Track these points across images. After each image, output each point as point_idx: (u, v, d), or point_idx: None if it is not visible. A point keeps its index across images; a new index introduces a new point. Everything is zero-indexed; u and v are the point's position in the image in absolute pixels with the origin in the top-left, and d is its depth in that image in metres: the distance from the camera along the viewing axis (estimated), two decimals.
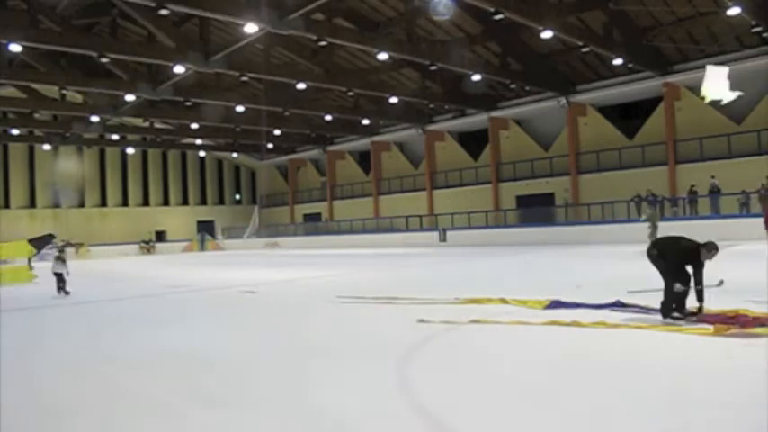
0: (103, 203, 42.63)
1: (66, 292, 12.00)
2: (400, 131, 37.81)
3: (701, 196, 23.81)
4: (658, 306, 6.75)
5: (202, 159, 47.20)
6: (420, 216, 34.94)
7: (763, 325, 5.80)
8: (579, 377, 4.68)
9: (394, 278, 14.50)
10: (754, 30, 20.44)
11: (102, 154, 42.64)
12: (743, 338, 5.56)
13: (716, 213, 23.04)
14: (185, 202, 46.79)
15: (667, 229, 22.84)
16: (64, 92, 29.20)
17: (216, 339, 7.12)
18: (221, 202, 48.89)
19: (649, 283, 10.19)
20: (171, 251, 40.56)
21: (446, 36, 24.80)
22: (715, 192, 23.30)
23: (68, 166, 40.30)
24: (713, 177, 23.41)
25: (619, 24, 22.62)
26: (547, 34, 19.97)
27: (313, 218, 44.44)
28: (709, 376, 4.53)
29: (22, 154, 39.44)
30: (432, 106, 31.70)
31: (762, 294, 7.72)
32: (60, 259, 12.26)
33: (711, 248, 6.42)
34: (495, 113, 32.41)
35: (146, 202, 44.67)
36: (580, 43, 21.10)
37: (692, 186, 24.20)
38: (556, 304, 8.09)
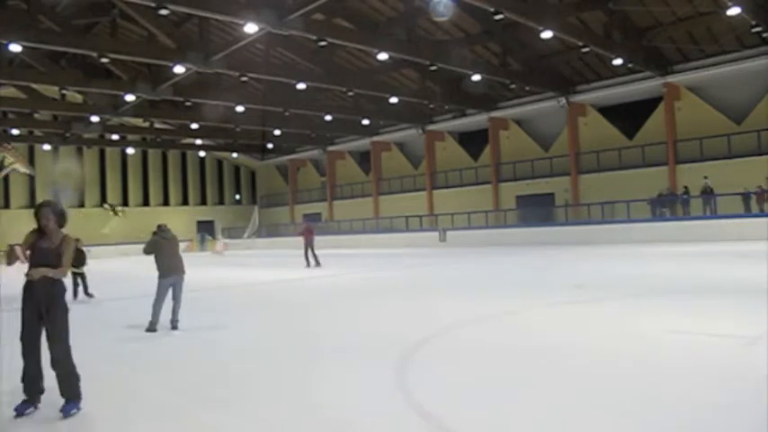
0: (104, 203, 42.61)
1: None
2: (400, 131, 37.80)
3: (695, 196, 23.86)
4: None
5: (202, 159, 47.18)
6: (420, 216, 34.93)
7: None
8: (581, 377, 4.68)
9: (393, 278, 14.50)
10: (754, 30, 20.42)
11: (102, 154, 42.63)
12: (742, 339, 5.56)
13: (711, 214, 23.09)
14: (185, 202, 46.77)
15: (665, 229, 23.00)
16: (64, 92, 29.18)
17: (215, 339, 7.13)
18: (221, 202, 48.88)
19: (649, 283, 10.22)
20: None
21: (446, 36, 24.79)
22: (708, 192, 23.35)
23: (68, 166, 40.28)
24: (706, 178, 23.48)
25: (619, 24, 22.60)
26: (547, 34, 19.97)
27: (313, 218, 44.43)
28: (709, 377, 4.53)
29: (21, 154, 39.36)
30: (432, 106, 31.68)
31: (762, 294, 7.72)
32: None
33: None
34: (495, 113, 32.41)
35: (146, 202, 44.65)
36: (580, 43, 21.08)
37: (684, 187, 24.34)
38: None
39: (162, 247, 7.68)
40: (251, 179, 51.13)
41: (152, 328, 7.51)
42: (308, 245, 18.50)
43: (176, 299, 7.71)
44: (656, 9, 21.99)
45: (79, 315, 9.89)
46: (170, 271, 7.64)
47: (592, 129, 29.50)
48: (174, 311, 7.70)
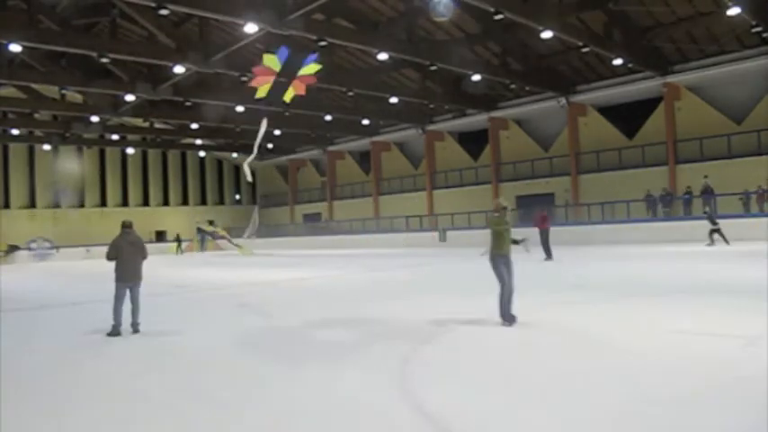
0: (103, 203, 42.61)
1: None
2: (400, 131, 37.79)
3: (695, 196, 23.83)
4: None
5: (202, 159, 47.17)
6: (420, 216, 34.93)
7: None
8: (581, 376, 4.68)
9: (394, 278, 14.49)
10: (754, 30, 20.40)
11: (102, 154, 42.62)
12: (742, 339, 5.56)
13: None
14: (185, 202, 46.77)
15: (665, 229, 23.01)
16: (64, 92, 29.14)
17: (215, 339, 7.12)
18: (221, 202, 48.88)
19: (648, 283, 10.22)
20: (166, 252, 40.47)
21: (446, 36, 24.78)
22: (708, 192, 23.34)
23: (68, 166, 40.28)
24: (706, 177, 23.47)
25: (619, 24, 22.60)
26: (547, 34, 19.95)
27: (313, 218, 44.44)
28: (709, 377, 4.53)
29: (22, 154, 39.43)
30: (432, 106, 31.66)
31: (762, 294, 7.72)
32: None
33: None
34: (495, 113, 32.40)
35: (146, 202, 44.64)
36: (580, 43, 21.06)
37: (688, 187, 24.33)
38: None
39: (123, 252, 7.51)
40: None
41: (115, 332, 7.37)
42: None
43: (134, 302, 7.57)
44: (656, 9, 21.98)
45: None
46: (126, 276, 7.52)
47: (592, 129, 29.49)
48: (134, 314, 7.55)
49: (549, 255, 16.41)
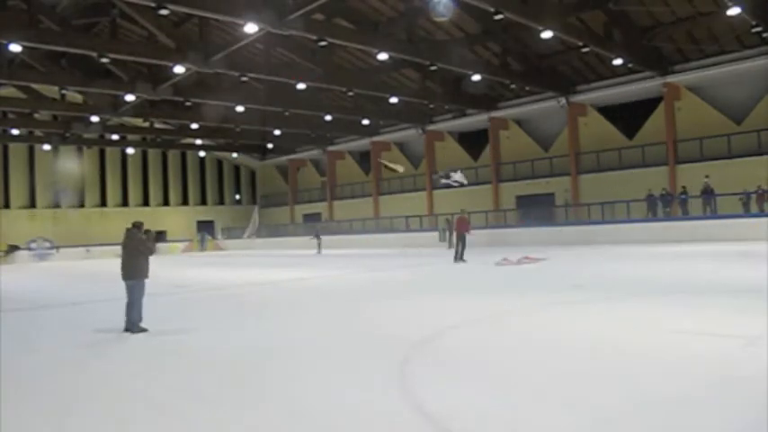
0: (103, 203, 42.60)
1: None
2: (400, 131, 37.78)
3: (694, 196, 23.82)
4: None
5: (202, 159, 47.15)
6: (420, 216, 34.92)
7: None
8: (581, 377, 4.68)
9: (393, 278, 14.49)
10: (754, 30, 20.39)
11: (102, 154, 42.60)
12: (742, 339, 5.56)
13: (712, 214, 23.08)
14: (185, 202, 46.75)
15: (665, 229, 23.02)
16: (64, 92, 29.12)
17: (215, 339, 7.12)
18: (221, 202, 48.87)
19: (648, 283, 10.22)
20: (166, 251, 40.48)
21: (446, 36, 24.78)
22: (708, 192, 23.34)
23: (68, 166, 40.27)
24: (707, 177, 23.46)
25: (619, 24, 22.60)
26: (547, 34, 19.93)
27: (313, 218, 44.43)
28: (709, 377, 4.53)
29: (22, 154, 39.41)
30: (432, 106, 31.66)
31: (762, 294, 7.72)
32: None
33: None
34: (495, 113, 32.39)
35: (146, 202, 44.62)
36: (580, 43, 21.06)
37: (683, 187, 24.34)
38: None
39: (122, 251, 7.79)
40: (251, 179, 51.13)
41: (128, 327, 7.60)
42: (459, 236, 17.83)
43: (127, 302, 7.62)
44: (656, 9, 21.97)
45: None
46: (122, 273, 7.70)
47: (592, 129, 29.48)
48: (127, 314, 7.59)
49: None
